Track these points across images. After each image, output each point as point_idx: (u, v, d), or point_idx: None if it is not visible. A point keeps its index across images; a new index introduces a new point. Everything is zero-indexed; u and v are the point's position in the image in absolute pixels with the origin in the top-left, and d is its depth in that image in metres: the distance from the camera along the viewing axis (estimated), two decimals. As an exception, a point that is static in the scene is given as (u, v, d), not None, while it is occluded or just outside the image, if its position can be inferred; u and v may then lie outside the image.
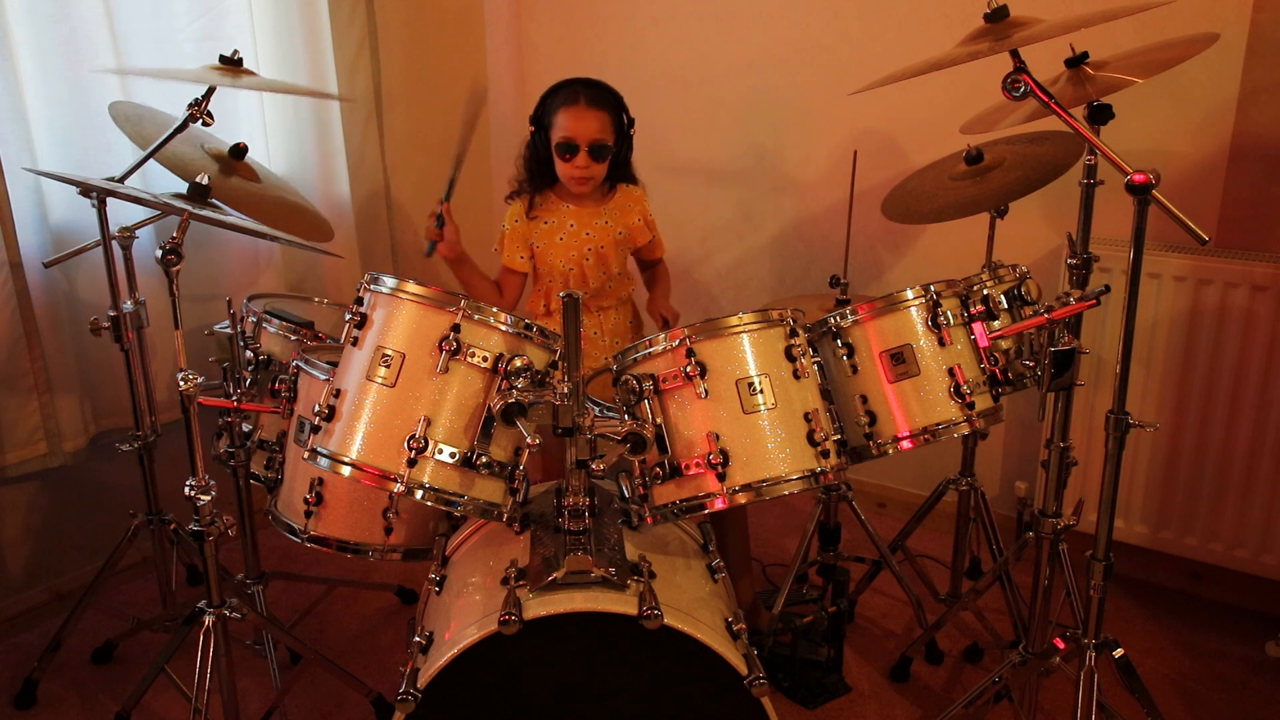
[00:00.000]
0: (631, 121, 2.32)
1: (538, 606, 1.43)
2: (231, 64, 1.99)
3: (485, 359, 1.53)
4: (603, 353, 2.33)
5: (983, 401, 1.73)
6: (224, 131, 2.14)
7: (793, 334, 1.64)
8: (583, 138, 2.22)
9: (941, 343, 1.71)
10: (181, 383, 1.63)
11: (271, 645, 2.18)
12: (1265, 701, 2.20)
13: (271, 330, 2.08)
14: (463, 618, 1.51)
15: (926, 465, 2.94)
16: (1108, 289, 1.64)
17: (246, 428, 2.02)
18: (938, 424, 1.70)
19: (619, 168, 2.36)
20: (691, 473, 1.58)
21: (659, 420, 1.59)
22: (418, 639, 1.54)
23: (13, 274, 2.29)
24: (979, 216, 2.16)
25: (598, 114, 2.24)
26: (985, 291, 1.75)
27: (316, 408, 1.58)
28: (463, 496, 1.54)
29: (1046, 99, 1.54)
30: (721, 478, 1.56)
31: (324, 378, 1.76)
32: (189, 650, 1.83)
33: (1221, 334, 2.34)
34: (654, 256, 2.48)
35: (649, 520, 1.63)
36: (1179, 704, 2.19)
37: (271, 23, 2.71)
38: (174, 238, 1.64)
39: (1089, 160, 1.81)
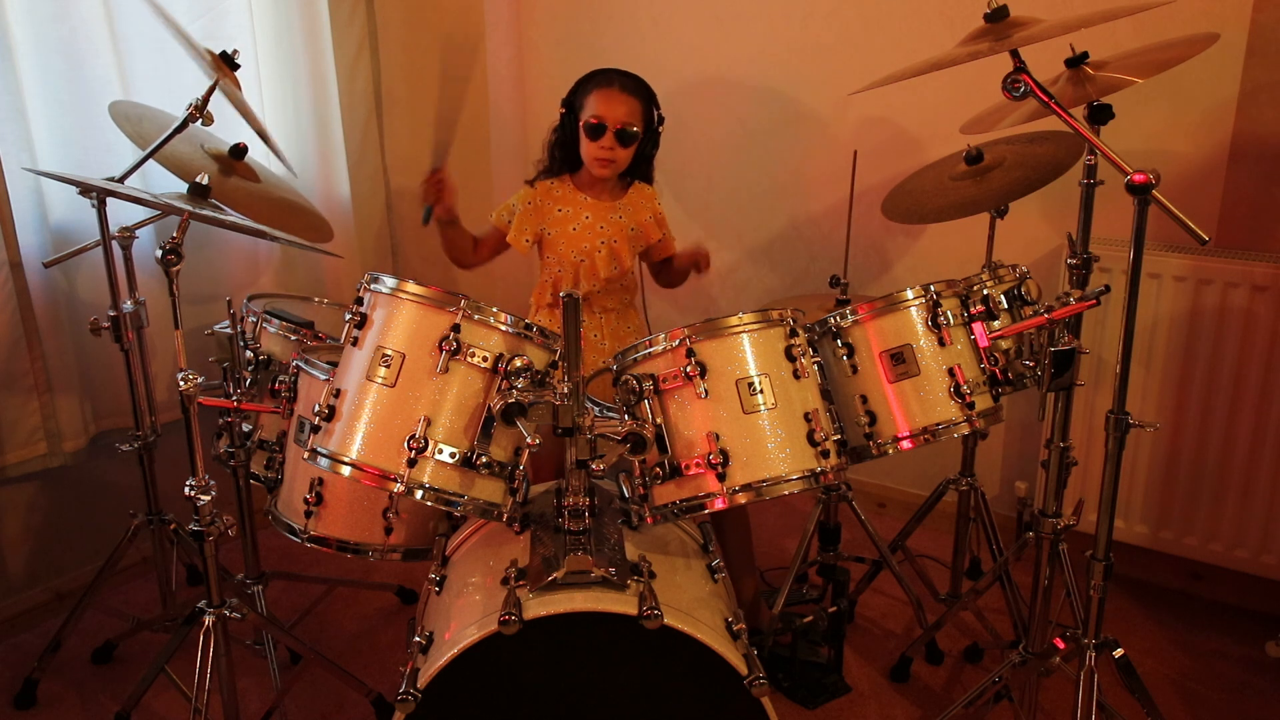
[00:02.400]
0: (662, 119, 2.33)
1: (538, 606, 1.43)
2: (228, 64, 1.99)
3: (485, 359, 1.53)
4: (602, 357, 2.32)
5: (983, 401, 1.73)
6: (224, 131, 2.14)
7: (793, 334, 1.64)
8: (612, 120, 2.23)
9: (941, 343, 1.71)
10: (181, 383, 1.63)
11: (271, 645, 2.18)
12: (1265, 701, 2.20)
13: (271, 330, 2.08)
14: (463, 618, 1.51)
15: (926, 465, 2.94)
16: (1108, 289, 1.64)
17: (246, 428, 2.02)
18: (938, 424, 1.70)
19: (641, 163, 2.37)
20: (691, 473, 1.58)
21: (659, 420, 1.59)
22: (418, 639, 1.54)
23: (13, 274, 2.29)
24: (979, 216, 2.16)
25: (629, 100, 2.25)
26: (985, 291, 1.75)
27: (316, 408, 1.58)
28: (463, 496, 1.54)
29: (1046, 99, 1.54)
30: (721, 478, 1.56)
31: (324, 378, 1.76)
32: (189, 650, 1.83)
33: (1221, 334, 2.34)
34: (663, 256, 2.47)
35: (649, 520, 1.63)
36: (1179, 704, 2.19)
37: (271, 23, 2.72)
38: (174, 238, 1.64)
39: (1089, 160, 1.81)
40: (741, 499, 1.57)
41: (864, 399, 1.73)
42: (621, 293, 2.40)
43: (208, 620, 1.77)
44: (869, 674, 2.30)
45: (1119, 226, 2.22)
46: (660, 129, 2.35)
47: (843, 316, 1.75)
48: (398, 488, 1.49)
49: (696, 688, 1.49)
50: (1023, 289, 1.82)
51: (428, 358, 1.52)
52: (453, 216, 2.34)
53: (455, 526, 1.84)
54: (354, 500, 1.82)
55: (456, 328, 1.51)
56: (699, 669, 1.45)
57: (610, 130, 2.23)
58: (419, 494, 1.51)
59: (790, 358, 1.62)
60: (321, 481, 1.82)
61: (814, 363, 1.68)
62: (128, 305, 2.12)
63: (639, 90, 2.28)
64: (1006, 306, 1.79)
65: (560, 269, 2.35)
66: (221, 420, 2.03)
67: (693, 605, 1.52)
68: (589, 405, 1.50)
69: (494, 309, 1.54)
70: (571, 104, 2.31)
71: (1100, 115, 1.79)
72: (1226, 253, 2.36)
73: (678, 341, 1.59)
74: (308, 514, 1.83)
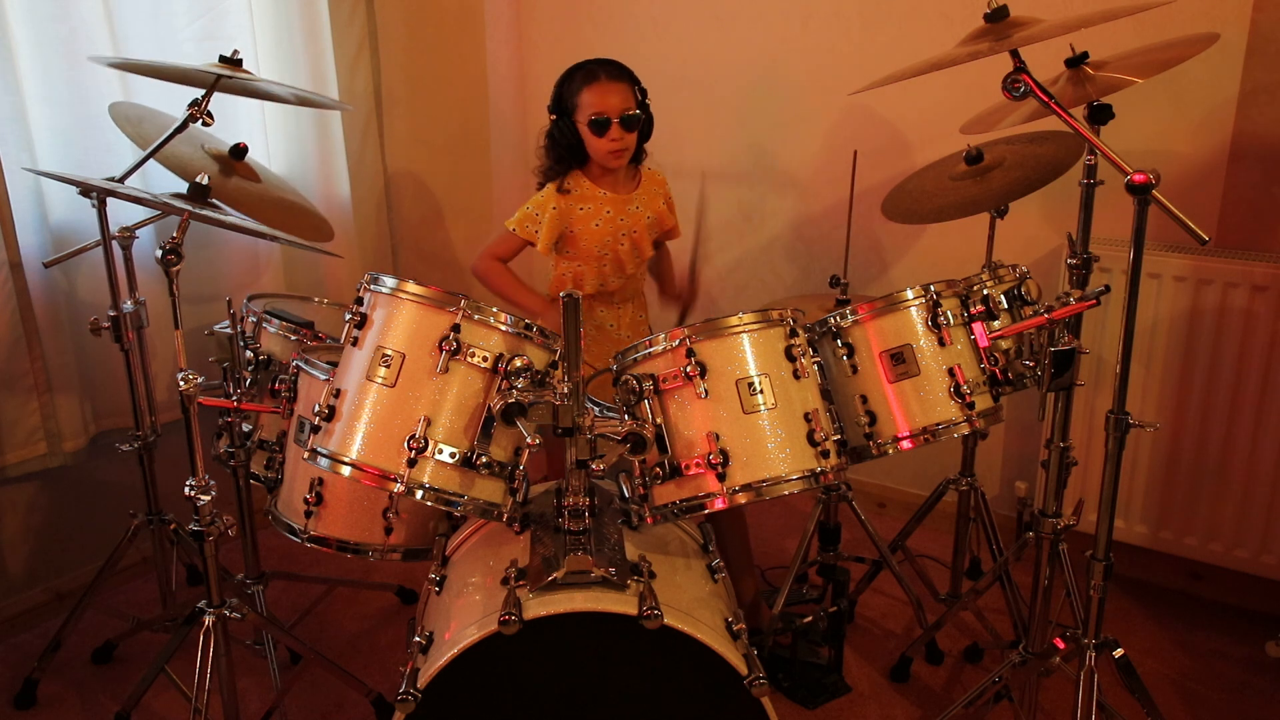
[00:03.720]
0: (645, 92, 2.32)
1: (538, 606, 1.43)
2: (231, 65, 1.99)
3: (485, 359, 1.53)
4: (619, 345, 2.31)
5: (983, 401, 1.73)
6: (224, 131, 2.14)
7: (793, 334, 1.64)
8: (613, 110, 2.22)
9: (941, 343, 1.71)
10: (181, 383, 1.63)
11: (271, 645, 2.18)
12: (1265, 701, 2.20)
13: (271, 330, 2.08)
14: (463, 618, 1.51)
15: (926, 465, 2.94)
16: (1108, 289, 1.64)
17: (246, 428, 2.02)
18: (938, 424, 1.70)
19: (641, 141, 2.36)
20: (691, 473, 1.58)
21: (659, 420, 1.59)
22: (418, 639, 1.54)
23: (13, 274, 2.29)
24: (979, 216, 2.16)
25: (620, 85, 2.25)
26: (985, 291, 1.75)
27: (316, 408, 1.58)
28: (463, 496, 1.54)
29: (1046, 99, 1.54)
30: (721, 478, 1.56)
31: (324, 378, 1.76)
32: (189, 650, 1.83)
33: (1221, 334, 2.34)
34: (674, 238, 2.48)
35: (649, 520, 1.63)
36: (1179, 704, 2.19)
37: (271, 23, 2.72)
38: (174, 238, 1.64)
39: (1089, 160, 1.81)
40: (741, 499, 1.57)
41: (864, 399, 1.73)
42: (637, 281, 2.41)
43: (208, 620, 1.77)
44: (869, 674, 2.30)
45: (1119, 226, 2.22)
46: (647, 102, 2.32)
47: (843, 316, 1.74)
48: (398, 488, 1.49)
49: (696, 688, 1.49)
50: (1023, 289, 1.82)
51: (428, 358, 1.52)
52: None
53: (455, 526, 1.84)
54: (354, 500, 1.82)
55: (456, 328, 1.51)
56: (699, 669, 1.45)
57: (616, 121, 2.22)
58: (419, 494, 1.51)
59: (790, 358, 1.62)
60: (321, 481, 1.82)
61: (814, 363, 1.68)
62: (128, 305, 2.12)
63: (622, 73, 2.28)
64: (1006, 306, 1.79)
65: (583, 265, 2.33)
66: (221, 420, 2.03)
67: (693, 605, 1.52)
68: (589, 405, 1.50)
69: (494, 309, 1.54)
70: (561, 107, 2.29)
71: (1100, 115, 1.78)
72: (1226, 253, 2.36)
73: (678, 341, 1.59)
74: (308, 514, 1.83)
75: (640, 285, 2.45)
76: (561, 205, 2.30)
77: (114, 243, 2.08)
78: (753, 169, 3.08)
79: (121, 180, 1.98)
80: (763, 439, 1.57)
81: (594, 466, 1.49)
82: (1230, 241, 2.40)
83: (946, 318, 1.70)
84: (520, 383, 1.51)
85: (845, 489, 2.27)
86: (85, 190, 2.04)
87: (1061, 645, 1.79)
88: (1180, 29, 2.31)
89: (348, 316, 1.59)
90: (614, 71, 2.27)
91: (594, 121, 2.23)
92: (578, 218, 2.31)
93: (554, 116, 2.30)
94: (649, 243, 2.36)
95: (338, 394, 1.57)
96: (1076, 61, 1.86)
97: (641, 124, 2.29)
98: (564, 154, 2.32)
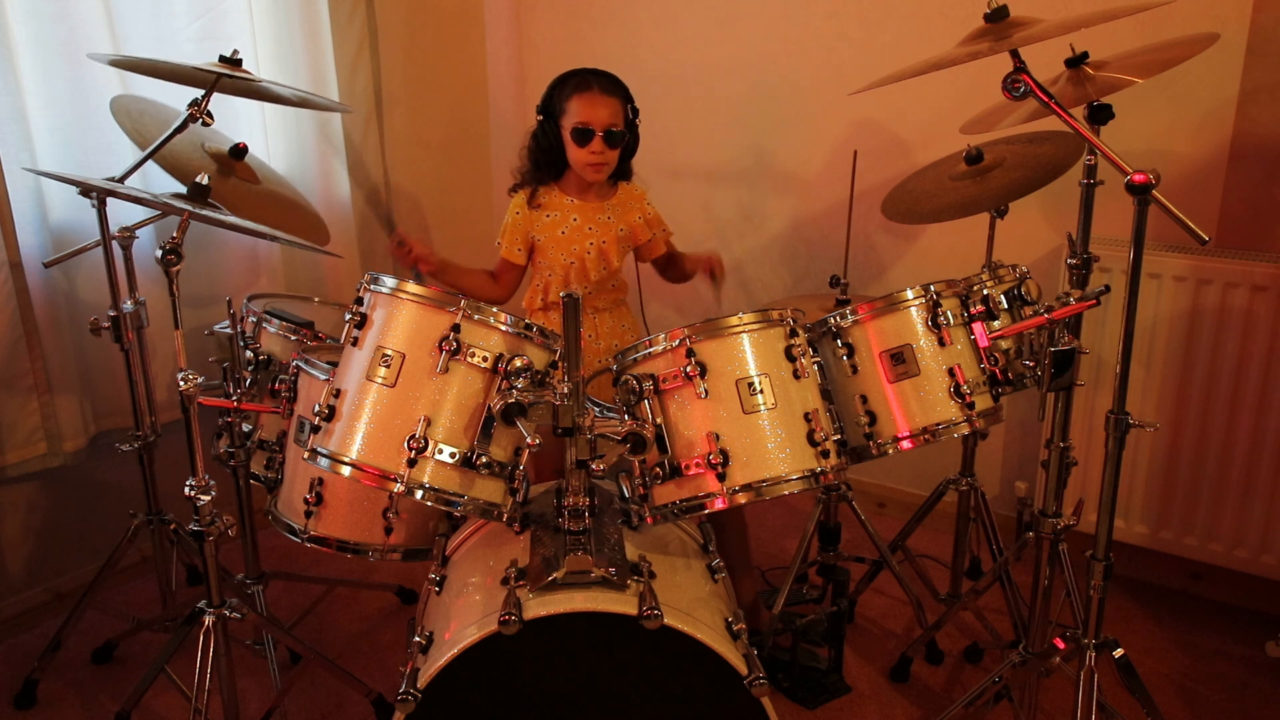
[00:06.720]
0: (636, 112, 2.32)
1: (538, 606, 1.43)
2: (231, 64, 1.99)
3: (485, 359, 1.53)
4: (598, 356, 2.32)
5: (983, 401, 1.73)
6: (224, 131, 2.14)
7: (793, 334, 1.64)
8: (598, 123, 2.21)
9: (941, 343, 1.71)
10: (181, 383, 1.63)
11: (271, 645, 2.18)
12: (1265, 701, 2.20)
13: (271, 330, 2.08)
14: (463, 618, 1.51)
15: (926, 465, 2.94)
16: (1108, 289, 1.64)
17: (246, 428, 2.02)
18: (938, 424, 1.70)
19: (624, 159, 2.37)
20: (691, 473, 1.58)
21: (659, 420, 1.59)
22: (418, 639, 1.54)
23: (13, 274, 2.29)
24: (979, 216, 2.16)
25: (610, 100, 2.24)
26: (985, 291, 1.75)
27: (316, 408, 1.58)
28: (463, 496, 1.54)
29: (1046, 99, 1.54)
30: (721, 478, 1.56)
31: (324, 378, 1.76)
32: (189, 650, 1.83)
33: (1221, 334, 2.34)
34: (654, 256, 2.47)
35: (649, 520, 1.63)
36: (1179, 704, 2.19)
37: (271, 23, 2.72)
38: (174, 238, 1.64)
39: (1089, 160, 1.81)
40: (741, 499, 1.57)
41: (864, 399, 1.73)
42: (613, 292, 2.40)
43: (208, 620, 1.77)
44: (869, 674, 2.30)
45: (1119, 226, 2.22)
46: (637, 122, 2.33)
47: (843, 316, 1.74)
48: (398, 488, 1.49)
49: (696, 688, 1.49)
50: (1023, 289, 1.82)
51: (428, 358, 1.52)
52: (438, 266, 2.31)
53: (455, 526, 1.84)
54: (354, 500, 1.82)
55: (456, 328, 1.51)
56: (699, 669, 1.45)
57: (599, 135, 2.21)
58: (419, 494, 1.51)
59: (790, 358, 1.62)
60: (321, 481, 1.82)
61: (814, 363, 1.68)
62: (128, 305, 2.12)
63: (616, 89, 2.27)
64: (1006, 306, 1.79)
65: (550, 273, 2.34)
66: (221, 420, 2.03)
67: (693, 605, 1.52)
68: (589, 405, 1.50)
69: (494, 309, 1.54)
70: (549, 110, 2.28)
71: (1100, 115, 1.79)
72: (1226, 253, 2.36)
73: (678, 341, 1.59)
74: (308, 514, 1.83)
75: (621, 295, 2.43)
76: (525, 212, 2.33)
77: (114, 243, 2.08)
78: (753, 169, 3.08)
79: (121, 180, 1.98)
80: (763, 439, 1.57)
81: (594, 466, 1.49)
82: (1230, 241, 2.40)
83: (946, 318, 1.70)
84: (520, 383, 1.51)
85: (845, 489, 2.27)
86: (85, 190, 2.04)
87: (1061, 645, 1.79)
88: (1180, 29, 2.31)
89: (348, 316, 1.59)
90: (607, 85, 2.26)
91: (577, 131, 2.22)
92: (543, 224, 2.32)
93: (540, 118, 2.30)
94: (617, 254, 2.35)
95: (338, 394, 1.57)
96: (1076, 61, 1.86)
97: (625, 142, 2.29)
98: (542, 160, 2.31)
